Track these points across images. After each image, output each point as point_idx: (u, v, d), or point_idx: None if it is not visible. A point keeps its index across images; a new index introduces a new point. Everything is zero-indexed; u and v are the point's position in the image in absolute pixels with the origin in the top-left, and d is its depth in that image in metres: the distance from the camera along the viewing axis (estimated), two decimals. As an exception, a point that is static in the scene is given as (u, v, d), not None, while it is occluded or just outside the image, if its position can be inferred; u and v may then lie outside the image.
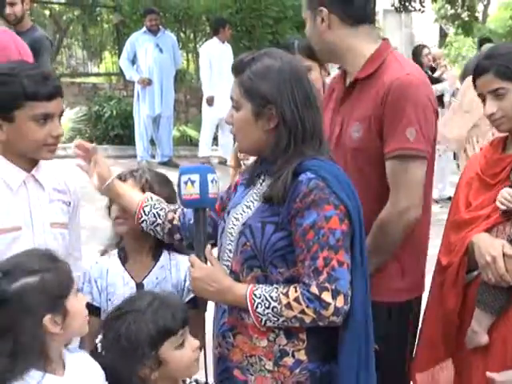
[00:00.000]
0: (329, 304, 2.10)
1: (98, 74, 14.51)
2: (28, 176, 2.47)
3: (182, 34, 13.07)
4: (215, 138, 10.81)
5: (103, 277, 2.66)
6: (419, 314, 2.74)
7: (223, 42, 10.42)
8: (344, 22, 2.59)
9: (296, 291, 2.12)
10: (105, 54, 14.97)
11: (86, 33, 14.80)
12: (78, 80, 13.24)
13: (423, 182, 2.53)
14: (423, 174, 2.53)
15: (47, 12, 18.31)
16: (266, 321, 2.15)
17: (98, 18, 14.46)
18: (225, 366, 2.31)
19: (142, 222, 2.52)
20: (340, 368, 2.19)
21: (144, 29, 10.13)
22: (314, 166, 2.16)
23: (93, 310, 2.63)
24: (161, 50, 10.02)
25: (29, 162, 2.48)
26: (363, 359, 2.19)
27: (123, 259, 2.68)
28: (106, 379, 2.15)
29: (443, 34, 23.34)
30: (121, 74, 11.77)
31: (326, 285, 2.10)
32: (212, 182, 2.24)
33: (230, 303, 2.24)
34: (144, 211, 2.51)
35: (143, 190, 2.65)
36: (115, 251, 2.72)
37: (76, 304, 2.02)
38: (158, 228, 2.52)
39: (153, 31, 10.02)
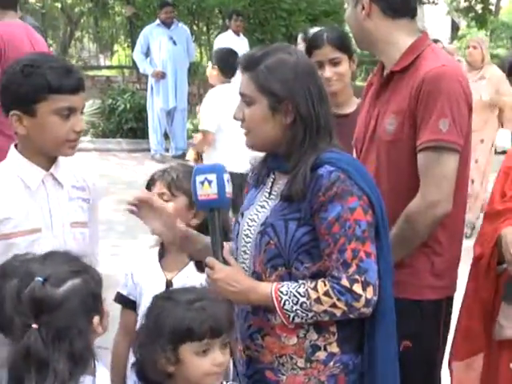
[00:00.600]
0: (360, 296, 2.08)
1: (110, 67, 14.49)
2: (47, 174, 2.40)
3: (195, 27, 13.02)
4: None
5: (139, 270, 2.64)
6: (451, 315, 2.70)
7: (238, 35, 10.36)
8: (384, 14, 2.56)
9: (325, 285, 2.10)
10: (116, 47, 14.93)
11: (97, 25, 14.77)
12: (91, 73, 13.21)
13: (455, 176, 2.49)
14: (455, 167, 2.48)
15: (59, 5, 18.28)
16: (294, 317, 2.12)
17: (110, 11, 14.42)
18: (255, 369, 2.27)
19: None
20: (375, 357, 2.18)
21: (157, 21, 10.08)
22: (331, 159, 2.15)
23: (128, 303, 2.59)
24: (174, 43, 9.98)
25: (47, 160, 2.40)
26: (395, 349, 2.20)
27: (161, 254, 2.64)
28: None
29: (455, 27, 23.21)
30: (134, 67, 11.74)
31: (356, 277, 2.08)
32: (227, 181, 2.20)
33: (254, 303, 2.19)
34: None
35: (170, 190, 2.61)
36: (157, 247, 2.71)
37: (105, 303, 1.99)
38: None
39: (167, 24, 9.97)
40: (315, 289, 2.10)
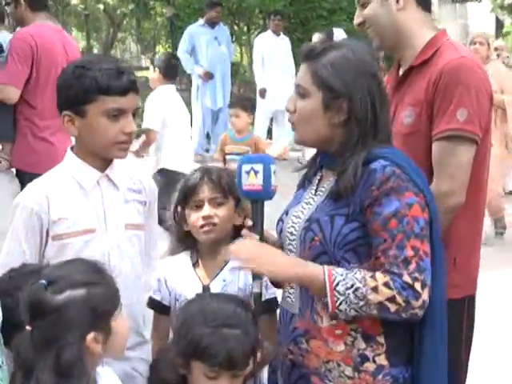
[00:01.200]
0: (420, 294, 2.00)
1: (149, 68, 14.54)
2: (102, 176, 2.40)
3: (235, 27, 13.01)
4: (269, 131, 10.71)
5: (173, 276, 2.58)
6: (473, 315, 2.61)
7: (278, 35, 10.30)
8: (418, 4, 2.56)
9: (385, 276, 2.00)
10: (158, 48, 15.00)
11: (139, 27, 14.87)
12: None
13: (470, 167, 2.43)
14: (471, 158, 2.43)
15: (101, 6, 18.45)
16: (341, 302, 2.00)
17: (152, 12, 14.50)
18: (300, 373, 2.18)
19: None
20: (422, 369, 2.10)
21: (201, 21, 10.05)
22: (385, 154, 2.09)
23: (162, 308, 2.55)
24: (219, 43, 9.98)
25: (102, 161, 2.40)
26: (443, 358, 2.12)
27: (194, 259, 2.60)
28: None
29: (499, 25, 22.85)
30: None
31: (416, 275, 2.01)
32: (274, 173, 2.14)
33: (301, 279, 2.07)
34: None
35: (224, 193, 2.55)
36: (188, 251, 2.63)
37: (121, 323, 1.92)
38: None
39: (211, 24, 9.94)
40: (373, 277, 2.00)
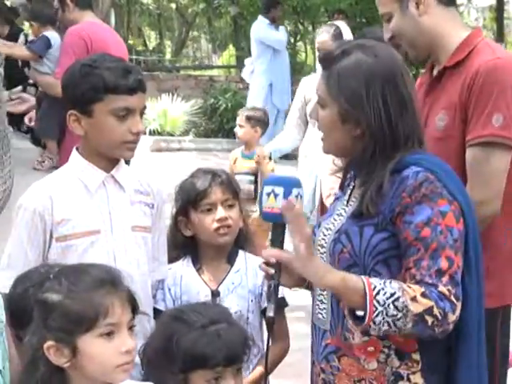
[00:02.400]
0: (456, 307, 1.88)
1: (219, 67, 14.66)
2: (107, 176, 2.36)
3: (300, 26, 12.94)
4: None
5: (177, 284, 2.55)
6: (509, 325, 2.51)
7: (341, 34, 10.17)
8: (440, 3, 2.47)
9: (420, 287, 1.87)
10: (229, 47, 15.11)
11: (210, 26, 14.98)
12: (196, 73, 13.38)
13: (505, 175, 2.35)
14: (506, 166, 2.35)
15: (173, 5, 18.67)
16: (378, 313, 1.85)
17: (222, 11, 14.59)
18: None
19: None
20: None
21: (266, 21, 10.00)
22: (418, 160, 1.98)
23: None
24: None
25: (109, 162, 2.36)
26: (483, 376, 2.01)
27: (197, 265, 2.56)
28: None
29: None
30: (237, 66, 11.76)
31: (449, 287, 1.89)
32: (297, 197, 2.03)
33: (338, 285, 1.90)
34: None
35: (235, 196, 2.55)
36: (188, 257, 2.59)
37: (95, 347, 1.79)
38: None
39: (276, 23, 9.89)
40: (410, 288, 1.88)
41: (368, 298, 1.86)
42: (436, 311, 1.86)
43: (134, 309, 1.86)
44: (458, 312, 1.90)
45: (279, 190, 2.02)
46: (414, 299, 1.86)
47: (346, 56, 2.00)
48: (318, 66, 2.12)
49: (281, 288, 2.22)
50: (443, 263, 1.89)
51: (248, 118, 5.56)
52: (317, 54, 4.85)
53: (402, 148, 2.00)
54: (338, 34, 4.86)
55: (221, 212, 2.51)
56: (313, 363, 2.14)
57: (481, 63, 2.35)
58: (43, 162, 5.94)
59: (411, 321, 1.87)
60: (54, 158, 5.71)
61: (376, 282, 1.88)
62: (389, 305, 1.85)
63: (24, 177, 5.75)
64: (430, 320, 1.87)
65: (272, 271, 2.01)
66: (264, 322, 2.57)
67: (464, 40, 2.45)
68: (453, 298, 1.88)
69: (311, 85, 4.66)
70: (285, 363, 2.67)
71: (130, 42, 15.58)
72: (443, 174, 1.97)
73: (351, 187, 2.14)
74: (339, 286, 1.89)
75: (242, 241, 2.61)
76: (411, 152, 2.00)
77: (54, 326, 1.77)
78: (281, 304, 2.44)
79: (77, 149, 2.40)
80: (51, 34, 5.57)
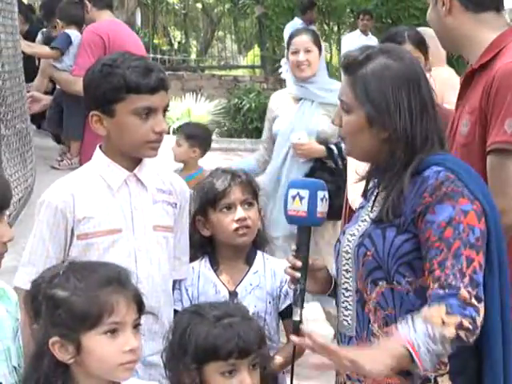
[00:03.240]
0: (479, 309, 1.85)
1: (244, 67, 14.67)
2: (130, 175, 2.35)
3: (325, 26, 12.91)
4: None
5: (194, 285, 2.53)
6: None
7: (366, 35, 10.12)
8: (466, 8, 2.40)
9: (439, 305, 1.84)
10: (255, 47, 15.10)
11: (236, 26, 15.00)
12: (220, 73, 13.39)
13: None
14: None
15: (199, 5, 18.71)
16: (426, 361, 1.82)
17: (249, 11, 14.60)
18: None
19: None
20: None
21: (299, 21, 9.99)
22: (439, 160, 1.98)
23: None
24: None
25: (132, 161, 2.35)
26: (504, 372, 1.96)
27: (214, 265, 2.54)
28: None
29: None
30: (262, 66, 11.76)
31: (469, 289, 1.86)
32: (322, 200, 2.05)
33: (390, 365, 1.82)
34: None
35: (254, 195, 2.53)
36: (206, 257, 2.58)
37: (99, 345, 1.79)
38: None
39: (309, 24, 9.87)
40: (431, 314, 1.84)
41: (416, 359, 1.81)
42: (466, 323, 1.84)
43: (140, 309, 1.86)
44: (482, 313, 1.87)
45: (304, 193, 2.03)
46: (443, 324, 1.83)
47: (371, 61, 2.00)
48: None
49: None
50: (463, 263, 1.88)
51: (187, 137, 4.76)
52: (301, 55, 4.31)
53: (421, 150, 1.99)
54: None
55: (240, 212, 2.49)
56: (337, 373, 2.12)
57: (500, 66, 2.30)
58: (62, 161, 5.97)
59: (450, 343, 1.84)
60: (73, 158, 5.71)
61: (406, 331, 1.83)
62: (430, 348, 1.82)
63: (45, 175, 5.78)
64: (463, 334, 1.85)
65: (298, 275, 2.02)
66: (281, 324, 2.55)
67: (493, 41, 2.39)
68: (474, 301, 1.86)
69: (279, 101, 4.47)
70: (305, 364, 2.66)
71: (156, 41, 15.61)
72: (464, 174, 1.96)
73: (375, 194, 2.12)
74: (391, 365, 1.83)
75: (260, 241, 2.59)
76: (432, 153, 1.99)
77: (60, 322, 1.79)
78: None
79: (100, 147, 2.38)
80: (72, 32, 5.59)
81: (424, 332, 1.82)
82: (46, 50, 5.74)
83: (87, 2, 5.10)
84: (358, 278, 2.03)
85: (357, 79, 2.00)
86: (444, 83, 5.90)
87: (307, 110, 4.35)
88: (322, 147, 4.25)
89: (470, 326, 1.84)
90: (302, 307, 2.04)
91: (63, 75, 5.49)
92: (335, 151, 4.24)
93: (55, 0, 5.94)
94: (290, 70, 4.46)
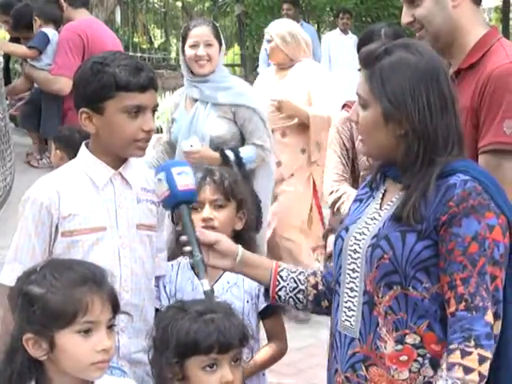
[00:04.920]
0: (495, 326, 1.86)
1: (224, 65, 14.60)
2: (115, 173, 2.36)
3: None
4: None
5: (172, 282, 2.53)
6: None
7: (346, 33, 10.15)
8: (472, 1, 2.42)
9: (455, 347, 1.83)
10: (234, 45, 15.08)
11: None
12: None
13: None
14: None
15: (179, 3, 18.64)
16: None
17: (228, 9, 14.58)
18: None
19: (280, 289, 2.18)
20: None
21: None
22: (466, 167, 1.94)
23: None
24: None
25: (117, 160, 2.36)
26: None
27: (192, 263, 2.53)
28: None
29: None
30: (241, 64, 11.75)
31: (493, 309, 1.87)
32: (179, 174, 2.08)
33: None
34: (281, 277, 2.18)
35: (226, 196, 2.49)
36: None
37: (72, 343, 1.80)
38: (300, 295, 2.19)
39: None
40: (451, 362, 1.83)
41: None
42: (487, 354, 1.83)
43: (116, 309, 1.87)
44: (498, 329, 1.87)
45: (161, 175, 2.09)
46: (466, 369, 1.82)
47: (389, 54, 1.96)
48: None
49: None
50: (489, 281, 1.86)
51: (54, 141, 4.33)
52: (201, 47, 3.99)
53: (443, 151, 1.95)
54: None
55: (206, 211, 2.47)
56: (335, 371, 2.07)
57: (493, 67, 2.30)
58: (41, 159, 5.94)
59: (482, 375, 1.84)
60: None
61: None
62: None
63: (23, 173, 5.75)
64: (485, 367, 1.84)
65: (189, 248, 2.06)
66: (261, 324, 2.55)
67: (479, 40, 2.39)
68: (490, 319, 1.85)
69: (178, 101, 4.23)
70: (283, 362, 2.68)
71: (136, 39, 15.55)
72: (491, 186, 1.93)
73: (382, 191, 2.08)
74: None
75: (240, 242, 2.57)
76: (455, 158, 1.95)
77: (34, 319, 1.80)
78: (274, 309, 2.47)
79: (86, 145, 2.39)
80: (49, 30, 5.56)
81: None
82: (23, 49, 5.70)
83: (62, 1, 5.09)
84: (368, 280, 1.98)
85: (373, 73, 1.96)
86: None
87: (201, 114, 4.05)
88: (216, 154, 3.95)
89: (490, 356, 1.84)
90: (205, 277, 2.05)
91: (42, 74, 5.47)
92: (231, 157, 3.98)
93: (24, 11, 5.92)
94: (185, 67, 4.12)
